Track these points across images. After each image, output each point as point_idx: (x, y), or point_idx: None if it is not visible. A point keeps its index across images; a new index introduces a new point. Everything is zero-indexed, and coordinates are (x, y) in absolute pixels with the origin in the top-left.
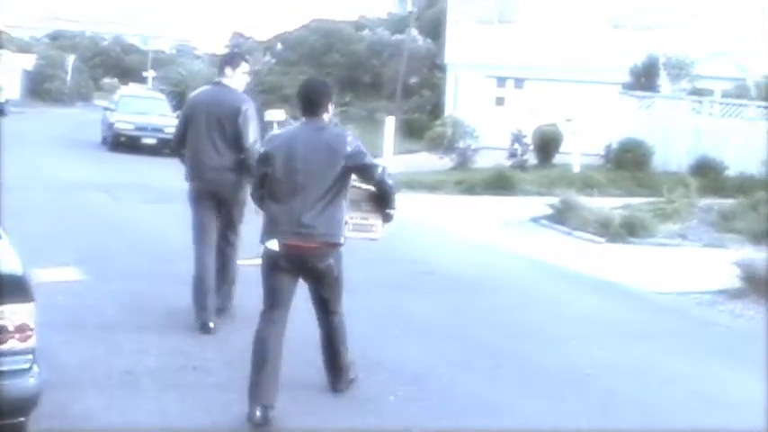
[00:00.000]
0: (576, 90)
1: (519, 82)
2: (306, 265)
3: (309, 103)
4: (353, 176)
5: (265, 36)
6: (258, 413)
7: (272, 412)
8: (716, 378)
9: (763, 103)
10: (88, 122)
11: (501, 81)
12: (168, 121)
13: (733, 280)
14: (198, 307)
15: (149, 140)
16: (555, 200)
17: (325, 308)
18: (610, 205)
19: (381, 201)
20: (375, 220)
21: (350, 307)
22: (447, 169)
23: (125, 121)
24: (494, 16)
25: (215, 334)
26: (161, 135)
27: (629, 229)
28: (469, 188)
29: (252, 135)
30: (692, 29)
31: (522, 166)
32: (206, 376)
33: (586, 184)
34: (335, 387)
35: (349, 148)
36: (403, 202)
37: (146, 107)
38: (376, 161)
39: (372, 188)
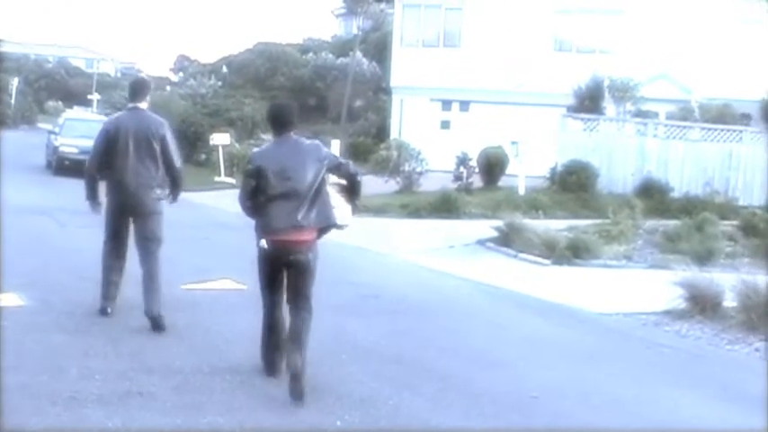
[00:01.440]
0: (521, 113)
1: (464, 105)
2: (289, 259)
3: (282, 123)
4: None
5: (210, 59)
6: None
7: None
8: (663, 399)
9: (706, 125)
10: (32, 146)
11: (446, 104)
12: None
13: (678, 301)
14: (104, 288)
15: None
16: (500, 222)
17: (296, 298)
18: (555, 227)
19: (351, 191)
20: (345, 210)
21: None
22: (392, 192)
23: (69, 145)
24: (438, 40)
25: (161, 359)
26: None
27: (575, 252)
28: (415, 211)
29: (178, 157)
30: (635, 51)
31: (467, 189)
32: (151, 401)
33: (532, 206)
34: (295, 395)
35: (324, 153)
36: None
37: (90, 131)
38: (342, 159)
39: (344, 182)
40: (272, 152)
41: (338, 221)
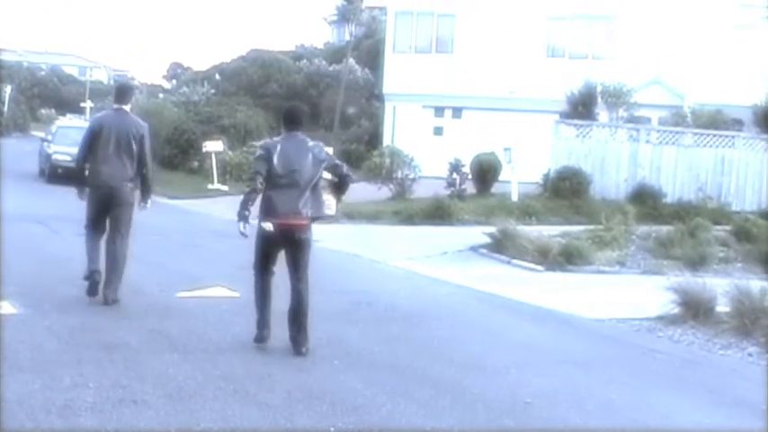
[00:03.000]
0: (514, 119)
1: (457, 111)
2: (293, 237)
3: (294, 121)
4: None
5: (203, 66)
6: (266, 333)
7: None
8: (656, 404)
9: (699, 130)
10: (25, 154)
11: (439, 111)
12: None
13: (671, 306)
14: (89, 255)
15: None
16: (493, 229)
17: (298, 271)
18: (548, 233)
19: (340, 188)
20: (332, 201)
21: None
22: (385, 199)
23: (62, 153)
24: (431, 46)
25: (154, 367)
26: None
27: (568, 258)
28: (408, 218)
29: (149, 156)
30: (628, 57)
31: (460, 196)
32: (145, 409)
33: (525, 212)
34: (299, 350)
35: (324, 154)
36: (341, 232)
37: None
38: (337, 160)
39: (335, 179)
40: (280, 145)
41: (326, 212)
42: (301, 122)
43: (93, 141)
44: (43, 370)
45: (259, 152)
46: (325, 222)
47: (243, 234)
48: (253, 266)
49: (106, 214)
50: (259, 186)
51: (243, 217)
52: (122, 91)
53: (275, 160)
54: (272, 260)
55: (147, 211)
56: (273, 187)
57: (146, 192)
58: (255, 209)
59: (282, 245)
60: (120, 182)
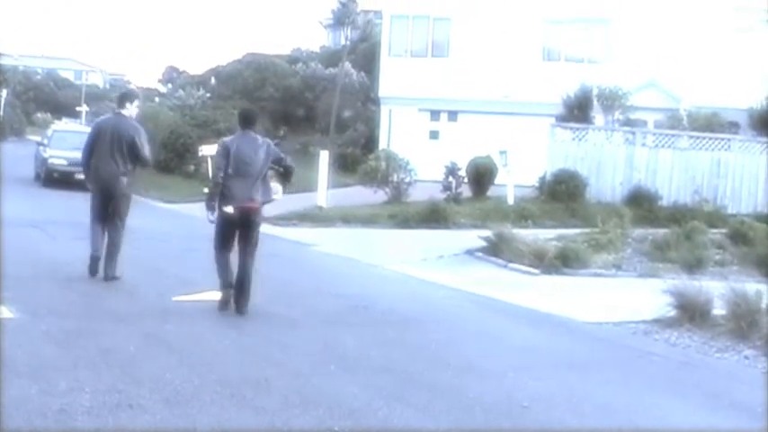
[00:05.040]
0: (510, 122)
1: (453, 115)
2: (248, 219)
3: (247, 121)
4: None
5: (199, 70)
6: (230, 293)
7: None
8: (653, 407)
9: (695, 133)
10: (21, 158)
11: (435, 114)
12: None
13: (667, 309)
14: (92, 242)
15: (83, 176)
16: (489, 232)
17: (248, 247)
18: (544, 237)
19: (285, 176)
20: (279, 188)
21: (287, 341)
22: (381, 203)
23: (58, 157)
24: (427, 50)
25: (151, 371)
26: None
27: (564, 261)
28: (404, 222)
29: (146, 149)
30: (623, 60)
31: (456, 199)
32: (141, 414)
33: (521, 215)
34: (241, 310)
35: (271, 149)
36: (337, 236)
37: (79, 142)
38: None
39: (281, 169)
40: (237, 142)
41: (274, 197)
42: (255, 123)
43: (93, 142)
44: (39, 374)
45: (219, 149)
46: (322, 226)
47: (211, 221)
48: (214, 246)
49: (106, 205)
50: (219, 180)
51: (211, 207)
52: (121, 97)
53: (232, 155)
54: (230, 239)
55: (143, 216)
56: (231, 178)
57: (134, 167)
58: None
59: (238, 225)
60: (114, 177)
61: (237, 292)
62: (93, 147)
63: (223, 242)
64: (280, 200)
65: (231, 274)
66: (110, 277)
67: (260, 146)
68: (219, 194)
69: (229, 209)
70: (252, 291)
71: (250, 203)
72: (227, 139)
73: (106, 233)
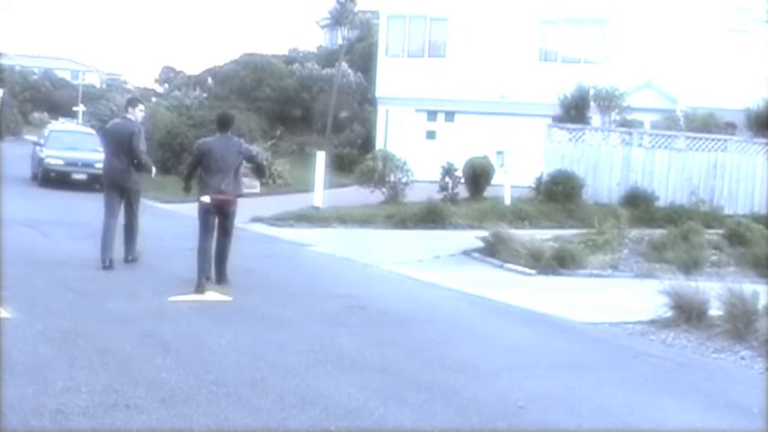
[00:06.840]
0: (507, 123)
1: (449, 115)
2: (223, 209)
3: (224, 124)
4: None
5: (196, 70)
6: (205, 281)
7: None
8: (649, 408)
9: (691, 134)
10: (17, 157)
11: (431, 114)
12: (98, 157)
13: (663, 309)
14: (103, 247)
15: (79, 176)
16: (486, 233)
17: (224, 230)
18: (541, 237)
19: (258, 172)
20: (255, 182)
21: (283, 341)
22: (378, 203)
23: (55, 157)
24: (424, 50)
25: (147, 371)
26: (91, 170)
27: (561, 261)
28: (401, 222)
29: (142, 148)
30: (620, 61)
31: (453, 200)
32: (138, 414)
33: (517, 216)
34: (220, 281)
35: (244, 148)
36: (334, 236)
37: (76, 142)
38: (254, 152)
39: (253, 166)
40: (212, 142)
41: (245, 191)
42: (230, 125)
43: (105, 144)
44: (36, 374)
45: (197, 147)
46: (319, 226)
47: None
48: (198, 231)
49: (117, 198)
50: (188, 172)
51: (188, 188)
52: (127, 102)
53: (209, 153)
54: (211, 225)
55: (140, 216)
56: (207, 172)
57: (140, 170)
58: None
59: (215, 213)
60: (120, 173)
61: (216, 265)
62: (105, 147)
63: (204, 228)
64: (258, 192)
65: (209, 264)
66: (130, 259)
67: (234, 145)
68: (199, 186)
69: (206, 198)
70: (229, 268)
71: (222, 195)
72: (206, 139)
73: (123, 218)
